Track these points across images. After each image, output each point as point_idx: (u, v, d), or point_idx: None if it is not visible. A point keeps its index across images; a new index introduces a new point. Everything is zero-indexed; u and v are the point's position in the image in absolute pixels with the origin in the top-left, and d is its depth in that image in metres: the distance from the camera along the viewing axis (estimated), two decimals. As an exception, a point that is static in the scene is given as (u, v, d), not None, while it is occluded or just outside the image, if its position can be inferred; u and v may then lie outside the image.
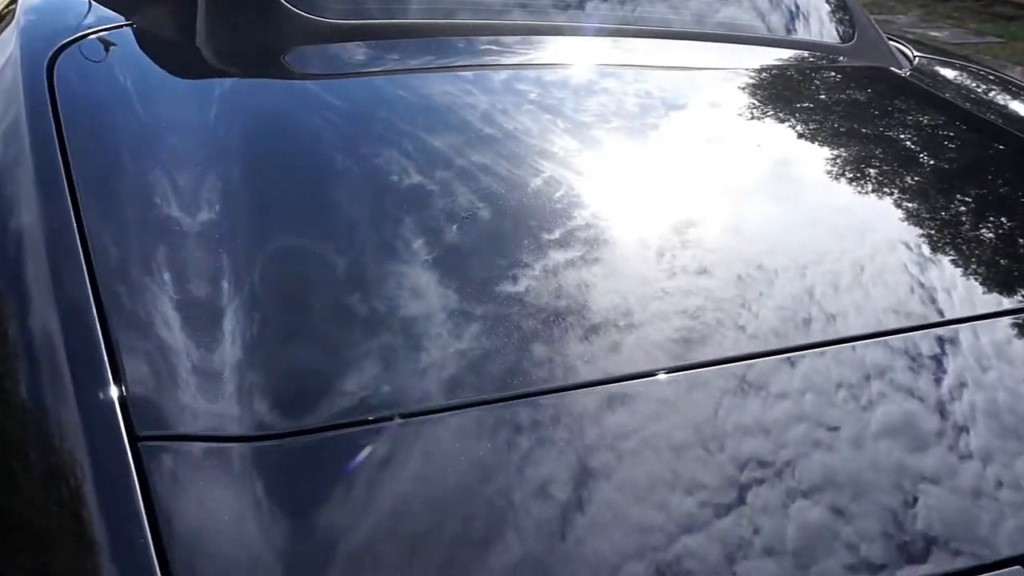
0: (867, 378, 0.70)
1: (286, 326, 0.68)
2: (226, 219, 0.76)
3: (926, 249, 0.90)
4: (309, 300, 0.70)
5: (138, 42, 1.08)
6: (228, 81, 1.05)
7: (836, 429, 0.65)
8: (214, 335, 0.64)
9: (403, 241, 0.77)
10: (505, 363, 0.66)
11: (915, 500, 0.60)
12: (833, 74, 1.39)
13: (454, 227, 0.80)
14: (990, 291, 0.86)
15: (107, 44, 1.06)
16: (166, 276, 0.69)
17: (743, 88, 1.25)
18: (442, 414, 0.62)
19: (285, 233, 0.78)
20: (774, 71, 1.35)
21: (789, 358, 0.70)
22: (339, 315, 0.69)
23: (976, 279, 0.88)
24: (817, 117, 1.20)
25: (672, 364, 0.68)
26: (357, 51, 1.12)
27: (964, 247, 0.93)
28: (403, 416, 0.61)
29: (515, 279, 0.74)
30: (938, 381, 0.71)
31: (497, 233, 0.81)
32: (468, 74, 1.13)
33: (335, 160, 0.89)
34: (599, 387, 0.66)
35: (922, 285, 0.83)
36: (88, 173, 0.78)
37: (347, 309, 0.70)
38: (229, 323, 0.65)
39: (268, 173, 0.85)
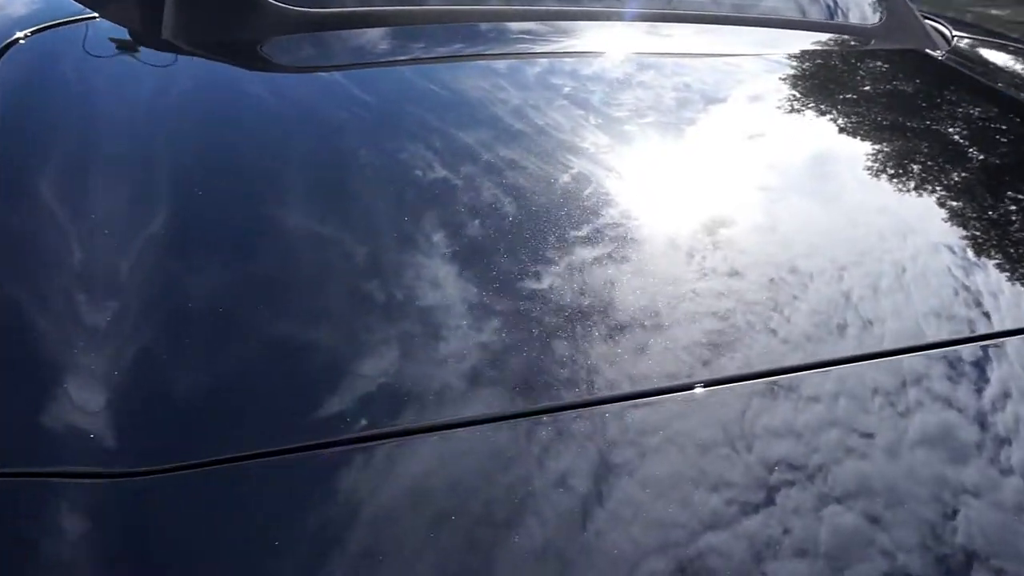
0: (909, 389, 0.64)
1: (185, 349, 0.59)
2: (145, 227, 0.67)
3: (970, 252, 0.82)
4: (215, 319, 0.61)
5: (102, 34, 1.01)
6: (194, 73, 0.97)
7: (881, 444, 0.59)
8: (104, 356, 0.56)
9: (350, 244, 0.69)
10: (511, 374, 0.59)
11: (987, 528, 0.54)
12: (863, 58, 1.29)
13: (437, 226, 0.71)
14: None
15: (69, 36, 0.99)
16: (59, 289, 0.61)
17: (768, 76, 1.17)
18: (357, 446, 0.52)
19: (205, 243, 0.68)
20: (799, 57, 1.26)
21: (829, 371, 0.64)
22: (244, 334, 0.60)
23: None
24: (847, 107, 1.11)
25: (707, 376, 0.62)
26: (330, 41, 1.05)
27: (1011, 249, 0.84)
28: (304, 449, 0.52)
29: (518, 287, 0.66)
30: (981, 392, 0.65)
31: (488, 238, 0.72)
32: (452, 64, 1.06)
33: (294, 162, 0.80)
34: (623, 403, 0.59)
35: (967, 289, 0.76)
36: (5, 173, 0.70)
37: (253, 326, 0.60)
38: (122, 343, 0.57)
39: (207, 175, 0.76)
